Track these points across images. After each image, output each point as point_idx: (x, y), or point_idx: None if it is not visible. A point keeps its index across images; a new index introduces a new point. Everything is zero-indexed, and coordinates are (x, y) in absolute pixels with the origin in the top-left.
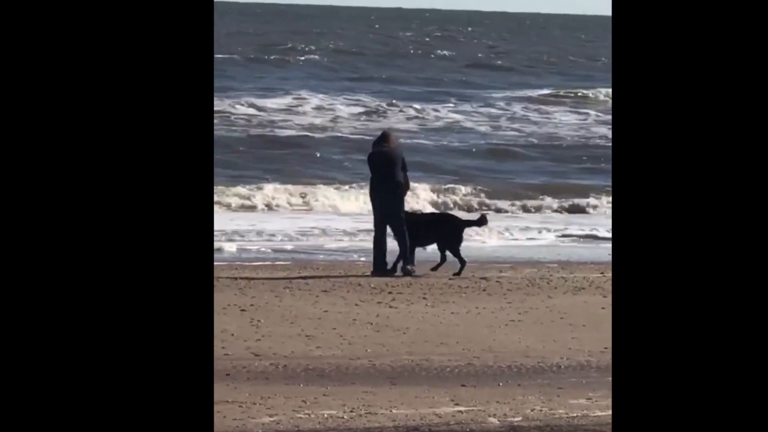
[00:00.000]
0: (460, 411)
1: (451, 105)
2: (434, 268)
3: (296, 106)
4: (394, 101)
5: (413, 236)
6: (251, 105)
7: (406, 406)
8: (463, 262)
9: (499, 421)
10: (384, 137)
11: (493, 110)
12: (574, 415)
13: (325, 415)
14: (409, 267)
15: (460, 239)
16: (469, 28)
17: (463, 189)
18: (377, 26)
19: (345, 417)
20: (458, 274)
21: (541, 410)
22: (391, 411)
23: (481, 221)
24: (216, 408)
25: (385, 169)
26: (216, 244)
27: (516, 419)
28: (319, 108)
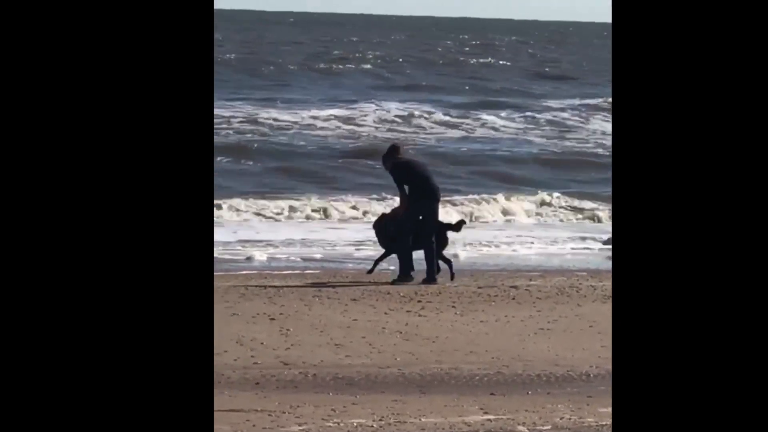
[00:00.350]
0: (489, 420)
1: (520, 114)
2: (452, 277)
3: (362, 116)
4: (471, 112)
5: (414, 242)
6: (330, 117)
7: (435, 415)
8: (449, 262)
9: (528, 429)
10: (395, 149)
11: (561, 117)
12: (603, 423)
13: (354, 424)
14: (436, 276)
15: (447, 242)
16: (513, 37)
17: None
18: (413, 35)
19: (374, 426)
20: (453, 276)
21: (570, 419)
22: (420, 420)
23: (458, 226)
24: (245, 417)
25: (424, 177)
26: (247, 253)
27: (545, 428)
28: (384, 120)
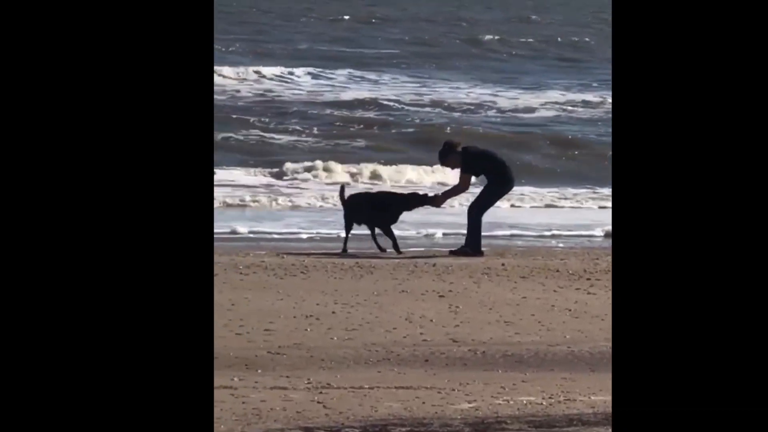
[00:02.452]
0: None
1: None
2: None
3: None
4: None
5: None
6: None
7: (604, 393)
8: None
9: None
10: (454, 145)
11: None
12: None
13: (524, 402)
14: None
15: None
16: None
17: None
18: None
19: (544, 403)
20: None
21: None
22: (589, 398)
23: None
24: (415, 393)
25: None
26: (425, 230)
27: None
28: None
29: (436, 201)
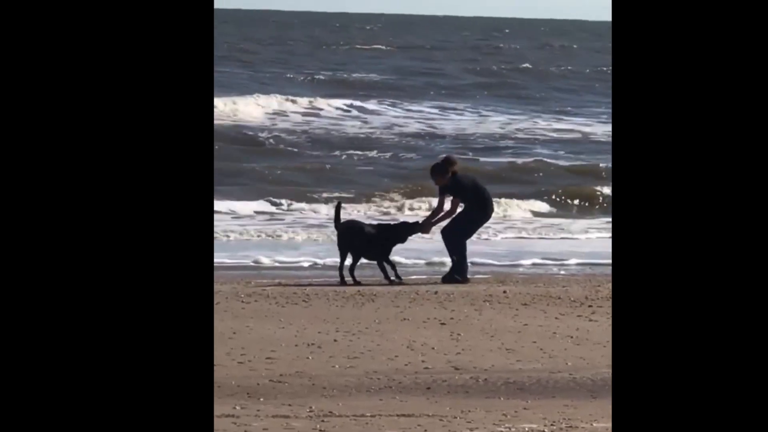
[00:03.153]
0: None
1: None
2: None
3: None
4: None
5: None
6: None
7: (606, 420)
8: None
9: None
10: (452, 162)
11: None
12: None
13: (526, 429)
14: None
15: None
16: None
17: None
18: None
19: (546, 430)
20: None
21: None
22: (591, 425)
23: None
24: (416, 421)
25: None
26: (426, 257)
27: None
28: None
29: (425, 228)
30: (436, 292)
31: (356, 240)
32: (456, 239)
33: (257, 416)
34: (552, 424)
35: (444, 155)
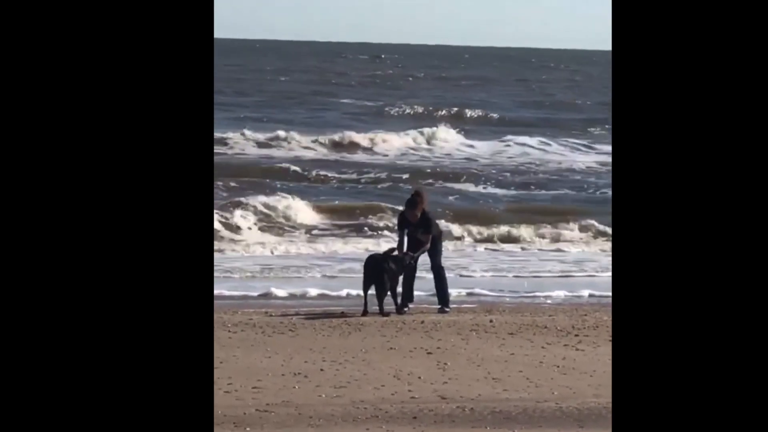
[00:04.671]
0: None
1: None
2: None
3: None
4: None
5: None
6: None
7: None
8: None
9: None
10: (422, 197)
11: None
12: None
13: None
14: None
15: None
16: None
17: None
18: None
19: None
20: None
21: None
22: None
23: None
24: None
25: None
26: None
27: None
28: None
29: (411, 260)
30: (422, 322)
31: (369, 276)
32: (440, 270)
33: None
34: None
35: (415, 190)
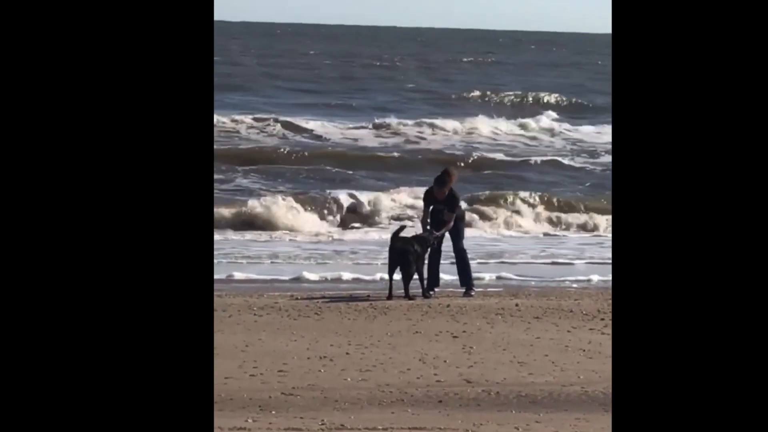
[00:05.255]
0: None
1: None
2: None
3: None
4: None
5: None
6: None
7: None
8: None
9: None
10: (449, 174)
11: None
12: None
13: None
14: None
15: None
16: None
17: None
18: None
19: None
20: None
21: None
22: None
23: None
24: None
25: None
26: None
27: None
28: None
29: (435, 240)
30: (448, 306)
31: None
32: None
33: (269, 429)
34: None
35: (445, 168)
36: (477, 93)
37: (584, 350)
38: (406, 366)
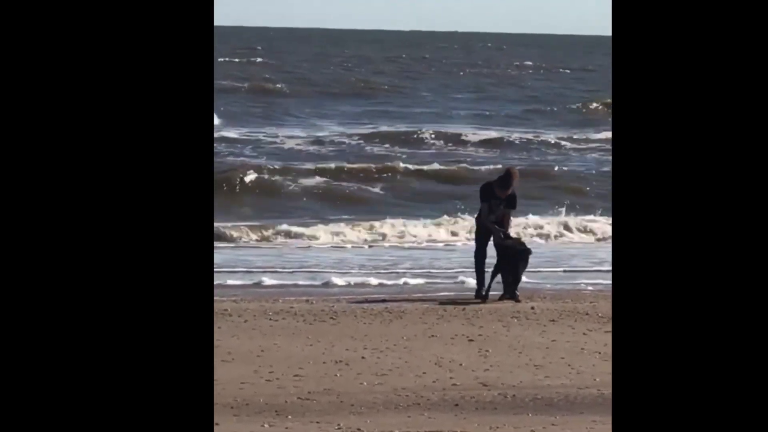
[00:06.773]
0: None
1: None
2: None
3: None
4: None
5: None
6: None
7: None
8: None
9: None
10: (512, 176)
11: None
12: None
13: None
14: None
15: None
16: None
17: None
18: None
19: None
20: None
21: None
22: None
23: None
24: None
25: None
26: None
27: None
28: None
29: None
30: (464, 309)
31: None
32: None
33: None
34: None
35: (507, 168)
36: None
37: (600, 353)
38: (422, 370)
